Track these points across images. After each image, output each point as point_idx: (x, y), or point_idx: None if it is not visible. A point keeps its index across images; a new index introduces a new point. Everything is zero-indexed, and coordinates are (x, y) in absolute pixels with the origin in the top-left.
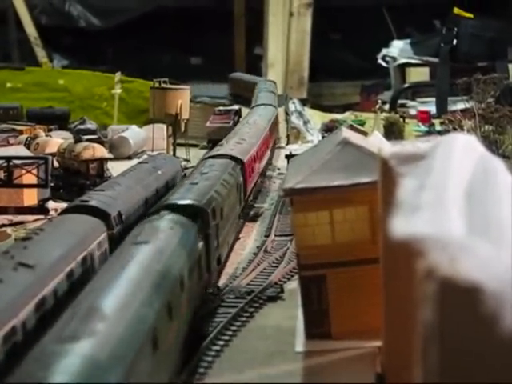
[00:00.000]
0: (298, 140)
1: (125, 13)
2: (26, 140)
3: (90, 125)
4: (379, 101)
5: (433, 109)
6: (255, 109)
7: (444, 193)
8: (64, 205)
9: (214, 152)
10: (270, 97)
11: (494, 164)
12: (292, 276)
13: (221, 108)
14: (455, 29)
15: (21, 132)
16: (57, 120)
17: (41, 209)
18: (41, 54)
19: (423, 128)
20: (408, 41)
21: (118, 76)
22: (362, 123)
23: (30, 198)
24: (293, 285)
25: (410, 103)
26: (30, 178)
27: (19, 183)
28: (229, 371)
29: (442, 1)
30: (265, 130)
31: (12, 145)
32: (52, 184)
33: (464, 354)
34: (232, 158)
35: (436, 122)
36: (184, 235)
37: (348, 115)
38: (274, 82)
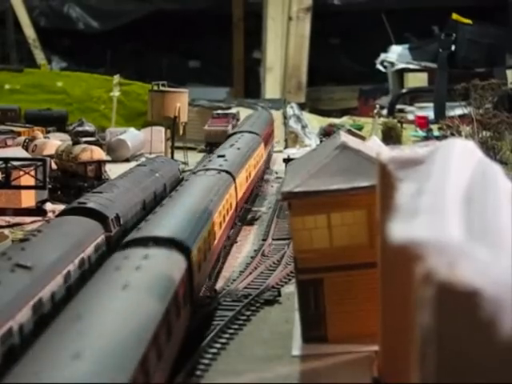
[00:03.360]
0: (296, 144)
1: (123, 16)
2: (24, 142)
3: (88, 127)
4: (377, 106)
5: (431, 114)
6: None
7: (442, 197)
8: (62, 207)
9: None
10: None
11: (492, 169)
12: (289, 280)
13: (219, 111)
14: (454, 35)
15: (19, 134)
16: (55, 122)
17: (38, 210)
18: (39, 55)
19: (421, 133)
20: (406, 46)
21: (116, 78)
22: (360, 128)
23: (28, 199)
24: (290, 288)
25: (408, 108)
26: (27, 180)
27: (17, 185)
28: (225, 374)
29: (441, 6)
30: None
31: (10, 146)
32: (50, 186)
33: (462, 359)
34: None
35: (434, 127)
36: None
37: (346, 120)
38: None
